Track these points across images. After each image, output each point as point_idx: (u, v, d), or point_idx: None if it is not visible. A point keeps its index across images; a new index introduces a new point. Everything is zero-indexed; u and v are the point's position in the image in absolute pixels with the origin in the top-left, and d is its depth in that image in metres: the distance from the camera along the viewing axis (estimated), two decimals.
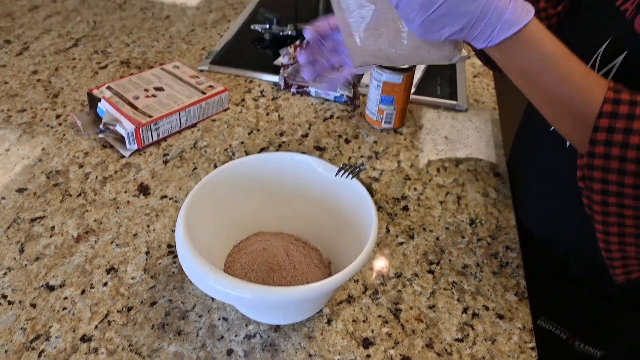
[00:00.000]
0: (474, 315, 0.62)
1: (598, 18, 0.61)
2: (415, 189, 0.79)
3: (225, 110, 0.93)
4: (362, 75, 0.97)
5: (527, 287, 0.67)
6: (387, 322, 0.61)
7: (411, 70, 0.86)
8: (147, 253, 0.66)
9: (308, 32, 0.62)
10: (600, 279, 0.69)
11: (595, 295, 0.72)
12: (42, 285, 0.62)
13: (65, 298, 0.61)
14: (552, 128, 0.65)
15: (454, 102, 0.98)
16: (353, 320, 0.61)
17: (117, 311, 0.60)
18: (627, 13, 0.55)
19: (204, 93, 0.89)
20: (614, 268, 0.59)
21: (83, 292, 0.61)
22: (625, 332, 0.75)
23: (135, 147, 0.81)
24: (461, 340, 0.60)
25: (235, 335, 0.58)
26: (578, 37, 0.62)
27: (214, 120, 0.90)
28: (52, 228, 0.69)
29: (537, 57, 0.49)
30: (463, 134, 0.92)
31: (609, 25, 0.58)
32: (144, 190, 0.76)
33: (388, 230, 0.72)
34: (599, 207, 0.53)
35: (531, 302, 0.67)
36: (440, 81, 1.03)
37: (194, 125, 0.88)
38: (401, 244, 0.71)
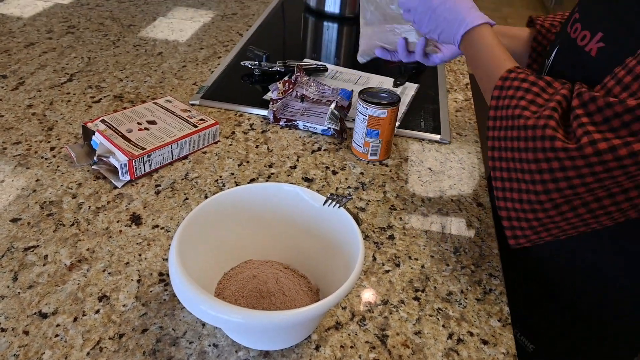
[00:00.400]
0: (459, 340, 0.64)
1: None
2: (400, 218, 0.82)
3: (216, 142, 0.95)
4: (349, 109, 1.01)
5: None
6: (374, 347, 0.62)
7: (395, 104, 0.89)
8: (138, 281, 0.68)
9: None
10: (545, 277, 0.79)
11: (541, 293, 0.81)
12: (35, 313, 0.63)
13: (58, 325, 0.61)
14: None
15: (438, 136, 1.01)
16: (341, 346, 0.62)
17: (109, 338, 0.61)
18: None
19: (195, 126, 0.91)
20: (504, 229, 0.66)
21: (75, 319, 0.62)
22: (558, 330, 0.82)
23: (128, 178, 0.83)
24: None
25: None
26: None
27: (204, 153, 0.93)
28: (46, 257, 0.70)
29: (471, 54, 0.74)
30: (446, 165, 0.95)
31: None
32: (136, 220, 0.77)
33: (375, 259, 0.74)
34: (490, 163, 0.67)
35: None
36: (424, 115, 1.08)
37: (185, 157, 0.91)
38: (387, 271, 0.73)
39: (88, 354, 0.59)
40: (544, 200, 0.59)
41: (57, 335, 0.60)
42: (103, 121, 0.89)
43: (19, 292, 0.65)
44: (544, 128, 0.58)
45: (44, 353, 0.58)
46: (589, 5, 0.67)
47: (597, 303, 0.76)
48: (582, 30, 0.65)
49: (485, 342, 0.64)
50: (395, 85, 1.15)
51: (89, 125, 0.88)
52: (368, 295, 0.69)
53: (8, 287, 0.66)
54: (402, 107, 1.09)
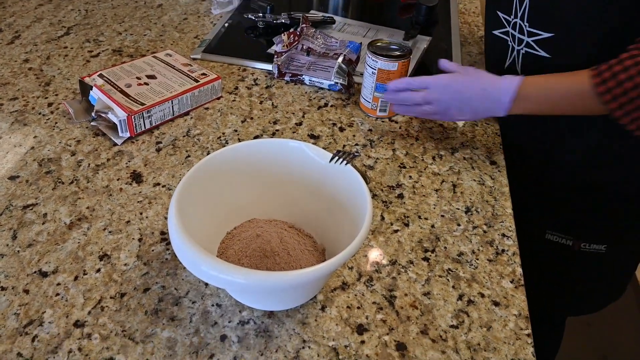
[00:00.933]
0: (469, 302, 0.62)
1: None
2: (410, 177, 0.79)
3: (219, 98, 0.92)
4: (357, 63, 0.97)
5: (534, 204, 0.72)
6: (381, 308, 0.61)
7: (407, 57, 0.85)
8: (140, 240, 0.66)
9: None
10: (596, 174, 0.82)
11: (595, 193, 0.84)
12: (35, 272, 0.61)
13: (58, 284, 0.60)
14: (506, 65, 0.87)
15: None
16: (347, 307, 0.61)
17: (110, 297, 0.59)
18: None
19: (196, 81, 0.88)
20: None
21: (76, 278, 0.61)
22: (625, 225, 0.85)
23: (128, 135, 0.80)
24: (456, 327, 0.59)
25: (229, 321, 0.58)
26: None
27: (207, 109, 0.89)
28: (45, 215, 0.68)
29: (539, 100, 0.72)
30: (459, 122, 0.91)
31: None
32: (136, 177, 0.75)
33: (383, 218, 0.72)
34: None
35: (539, 216, 0.87)
36: (436, 70, 1.03)
37: (186, 114, 0.88)
38: (396, 231, 0.70)
39: (89, 312, 0.57)
40: None
41: (57, 294, 0.59)
42: (101, 76, 0.86)
43: (18, 251, 0.63)
44: None
45: (45, 312, 0.57)
46: None
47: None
48: None
49: (496, 304, 0.62)
50: (407, 37, 1.10)
51: (87, 80, 0.84)
52: (376, 255, 0.67)
53: (7, 245, 0.64)
54: (413, 61, 1.04)
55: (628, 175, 0.81)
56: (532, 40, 0.75)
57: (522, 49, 0.78)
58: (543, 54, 0.75)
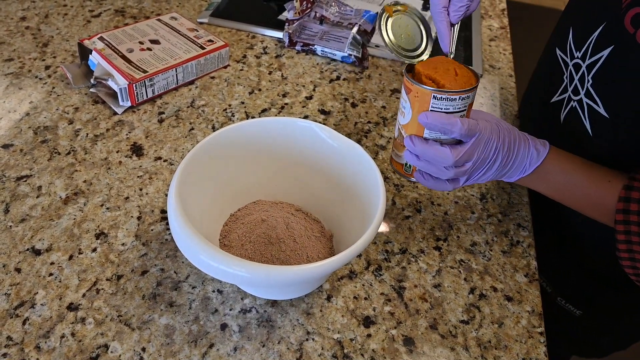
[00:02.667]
0: (482, 296, 0.59)
1: None
2: None
3: (226, 67, 0.87)
4: (372, 34, 0.91)
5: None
6: (389, 300, 0.58)
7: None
8: (139, 218, 0.63)
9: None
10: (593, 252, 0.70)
11: (585, 263, 0.73)
12: (28, 249, 0.59)
13: (52, 263, 0.57)
14: (552, 99, 0.67)
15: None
16: (354, 297, 0.58)
17: (106, 279, 0.57)
18: (624, 1, 0.54)
19: (203, 48, 0.83)
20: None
21: (71, 257, 0.58)
22: (602, 299, 0.76)
23: (129, 103, 0.76)
24: (467, 323, 0.57)
25: (230, 309, 0.55)
26: (581, 14, 0.61)
27: (213, 78, 0.85)
28: (39, 188, 0.65)
29: (555, 186, 0.57)
30: (477, 101, 0.87)
31: (607, 7, 0.56)
32: (137, 150, 0.71)
33: (394, 203, 0.69)
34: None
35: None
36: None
37: (191, 82, 0.83)
38: (407, 217, 0.67)
39: (84, 295, 0.55)
40: None
41: (51, 274, 0.56)
42: (101, 39, 0.81)
43: (10, 226, 0.61)
44: None
45: (37, 293, 0.55)
46: None
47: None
48: None
49: (509, 299, 0.60)
50: (425, 8, 1.04)
51: (86, 42, 0.80)
52: (385, 242, 0.64)
53: None
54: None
55: None
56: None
57: (577, 98, 0.62)
58: (602, 112, 0.58)
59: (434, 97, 0.49)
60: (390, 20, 0.59)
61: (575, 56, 0.62)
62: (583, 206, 0.58)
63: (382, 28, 0.58)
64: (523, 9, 2.99)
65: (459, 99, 0.50)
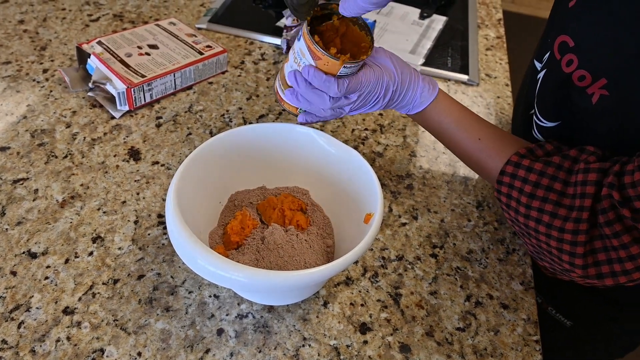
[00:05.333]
0: (477, 303, 0.60)
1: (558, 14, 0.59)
2: (420, 166, 0.76)
3: (224, 72, 0.87)
4: None
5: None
6: (386, 307, 0.58)
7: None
8: (135, 222, 0.63)
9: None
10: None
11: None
12: (24, 252, 0.58)
13: (48, 267, 0.57)
14: (531, 112, 0.67)
15: (465, 76, 0.93)
16: (351, 304, 0.58)
17: (103, 283, 0.56)
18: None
19: (201, 53, 0.83)
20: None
21: (67, 261, 0.58)
22: (592, 310, 0.75)
23: (127, 108, 0.76)
24: (463, 330, 0.57)
25: (227, 315, 0.55)
26: (549, 28, 0.62)
27: (210, 83, 0.85)
28: (36, 191, 0.65)
29: (444, 126, 0.60)
30: (474, 110, 0.87)
31: (562, 24, 0.56)
32: (134, 154, 0.71)
33: (391, 210, 0.69)
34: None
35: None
36: (452, 53, 0.98)
37: (189, 88, 0.83)
38: (404, 224, 0.67)
39: (80, 299, 0.55)
40: None
41: (46, 278, 0.56)
42: (100, 43, 0.81)
43: (6, 229, 0.60)
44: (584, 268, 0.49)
45: (33, 296, 0.54)
46: (585, 38, 0.51)
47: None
48: (580, 69, 0.51)
49: (505, 307, 0.60)
50: (422, 17, 1.05)
51: (85, 47, 0.80)
52: (382, 249, 0.64)
53: None
54: (428, 43, 0.99)
55: None
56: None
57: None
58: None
59: (344, 67, 0.52)
60: None
61: None
62: (456, 152, 0.61)
63: None
64: (519, 19, 3.02)
65: (360, 63, 0.53)
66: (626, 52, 0.47)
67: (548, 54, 0.58)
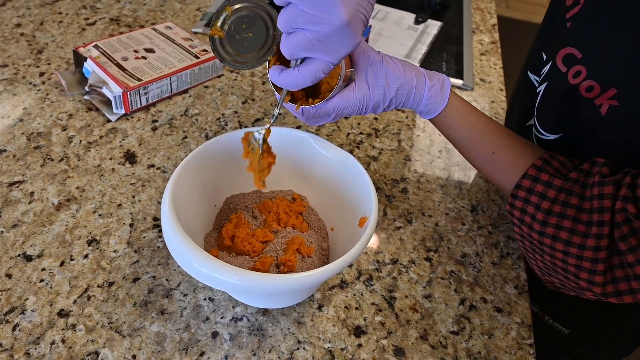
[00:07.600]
0: (471, 307, 0.60)
1: (555, 28, 0.59)
2: (415, 170, 0.76)
3: (219, 76, 0.88)
4: None
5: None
6: (380, 310, 0.58)
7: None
8: (131, 225, 0.63)
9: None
10: None
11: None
12: (19, 255, 0.58)
13: (43, 269, 0.57)
14: (527, 123, 0.67)
15: (460, 81, 0.93)
16: (345, 307, 0.58)
17: (98, 286, 0.56)
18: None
19: (197, 57, 0.84)
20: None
21: (62, 263, 0.58)
22: (590, 318, 0.75)
23: (123, 111, 0.76)
24: (457, 333, 0.57)
25: (222, 317, 0.55)
26: (544, 42, 0.62)
27: (206, 87, 0.85)
28: (32, 194, 0.65)
29: (454, 138, 0.58)
30: None
31: (562, 38, 0.56)
32: (130, 158, 0.71)
33: (385, 214, 0.69)
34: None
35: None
36: (447, 58, 0.99)
37: (185, 91, 0.84)
38: (398, 228, 0.68)
39: (75, 302, 0.55)
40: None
41: (42, 280, 0.56)
42: (96, 47, 0.81)
43: (2, 231, 0.60)
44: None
45: (28, 299, 0.54)
46: (594, 48, 0.50)
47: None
48: (588, 79, 0.50)
49: (499, 310, 0.60)
50: (417, 22, 1.05)
51: (81, 50, 0.80)
52: (376, 253, 0.64)
53: None
54: (423, 47, 1.00)
55: None
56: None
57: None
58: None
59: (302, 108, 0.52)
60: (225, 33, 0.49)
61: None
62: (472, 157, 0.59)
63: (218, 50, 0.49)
64: (513, 25, 3.03)
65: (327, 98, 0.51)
66: (636, 60, 0.46)
67: (548, 66, 0.57)
